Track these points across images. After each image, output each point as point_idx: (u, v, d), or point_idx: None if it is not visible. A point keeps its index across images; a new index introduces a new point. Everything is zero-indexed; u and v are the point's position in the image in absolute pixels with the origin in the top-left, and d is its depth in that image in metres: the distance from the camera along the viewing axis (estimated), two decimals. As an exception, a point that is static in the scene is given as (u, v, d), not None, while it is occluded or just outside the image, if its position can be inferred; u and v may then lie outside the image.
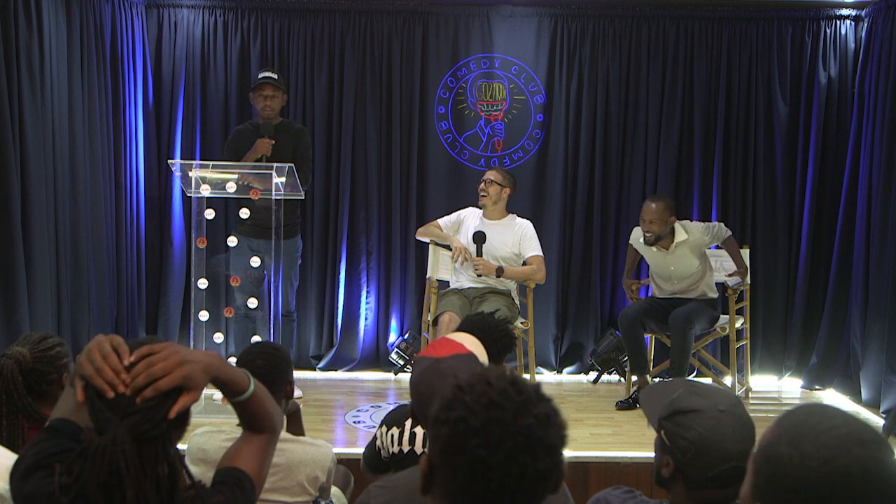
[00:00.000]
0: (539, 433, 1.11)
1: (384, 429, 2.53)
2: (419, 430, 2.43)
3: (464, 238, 4.94)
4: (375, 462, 2.59)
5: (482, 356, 2.24)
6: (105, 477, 1.34)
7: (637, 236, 5.00)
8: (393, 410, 2.64)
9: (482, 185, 4.94)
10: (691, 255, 4.84)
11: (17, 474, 1.45)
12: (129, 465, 1.34)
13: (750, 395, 5.19)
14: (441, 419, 1.14)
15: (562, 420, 1.16)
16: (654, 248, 4.85)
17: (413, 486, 1.90)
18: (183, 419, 1.44)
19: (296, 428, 2.80)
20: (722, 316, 5.03)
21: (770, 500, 1.20)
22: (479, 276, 4.81)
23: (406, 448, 2.43)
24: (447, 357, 2.06)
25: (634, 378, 4.91)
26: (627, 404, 4.83)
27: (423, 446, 2.40)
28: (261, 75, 4.87)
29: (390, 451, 2.47)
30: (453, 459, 1.12)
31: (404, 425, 2.46)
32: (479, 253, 4.79)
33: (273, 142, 4.69)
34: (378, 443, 2.55)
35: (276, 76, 4.86)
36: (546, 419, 1.13)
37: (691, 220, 5.12)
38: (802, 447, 1.18)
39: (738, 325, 5.05)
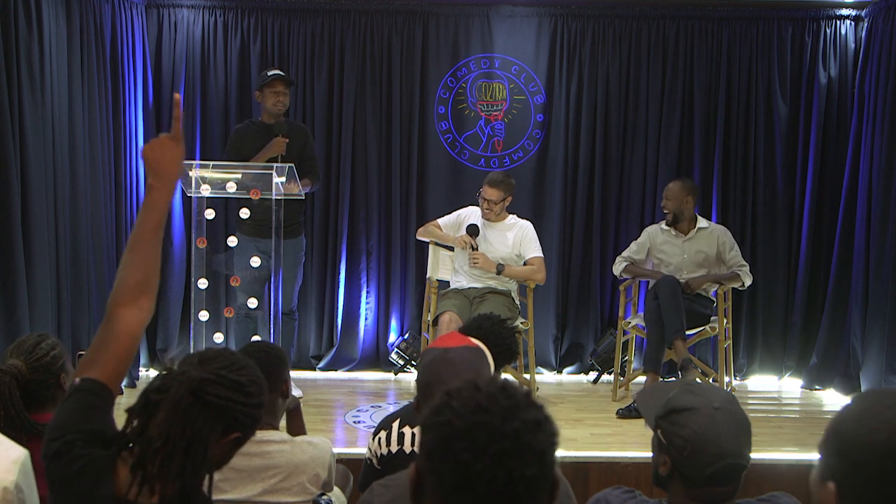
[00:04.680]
0: (527, 438, 1.08)
1: (371, 437, 2.50)
2: (407, 430, 2.40)
3: (464, 238, 4.96)
4: (370, 479, 2.43)
5: (489, 358, 2.23)
6: (152, 392, 1.46)
7: (652, 232, 5.11)
8: (380, 421, 2.60)
9: (485, 203, 4.88)
10: (706, 249, 4.97)
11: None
12: (176, 397, 1.43)
13: (734, 393, 5.18)
14: (428, 424, 1.12)
15: (553, 427, 1.13)
16: (672, 232, 4.97)
17: None
18: (228, 452, 1.54)
19: (297, 425, 2.79)
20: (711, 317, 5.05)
21: (841, 476, 1.19)
22: (473, 264, 4.81)
23: (395, 448, 2.40)
24: (456, 347, 2.06)
25: (620, 380, 4.89)
26: (628, 412, 4.62)
27: (412, 445, 2.38)
28: (271, 72, 4.88)
29: (378, 455, 2.44)
30: (439, 464, 1.09)
31: (391, 427, 2.43)
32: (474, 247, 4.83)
33: (287, 140, 4.70)
34: (368, 455, 2.50)
35: (285, 74, 4.89)
36: (535, 424, 1.10)
37: None
38: (870, 421, 1.18)
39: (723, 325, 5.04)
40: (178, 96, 1.84)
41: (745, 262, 5.00)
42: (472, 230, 4.86)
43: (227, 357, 1.53)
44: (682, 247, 5.00)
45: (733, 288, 5.05)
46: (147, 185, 1.73)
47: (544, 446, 1.09)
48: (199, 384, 1.45)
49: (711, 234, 5.02)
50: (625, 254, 5.18)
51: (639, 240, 5.19)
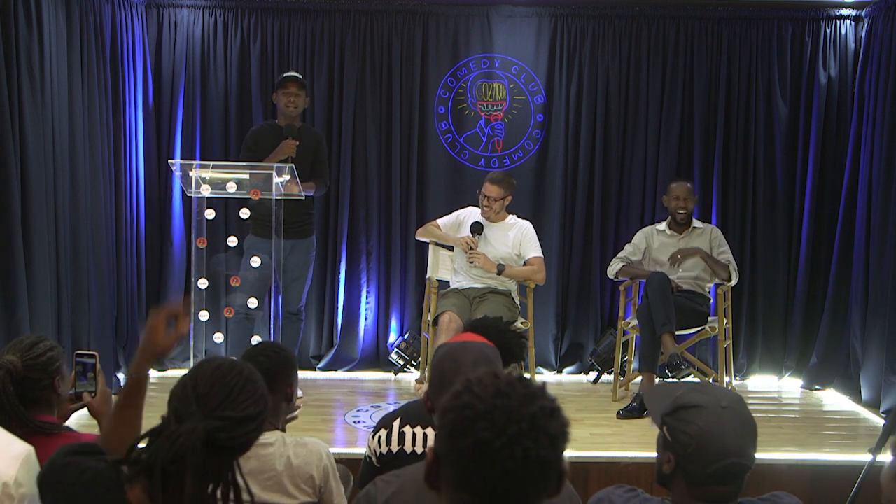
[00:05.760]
0: (542, 421, 1.18)
1: (371, 435, 2.48)
2: (408, 430, 2.39)
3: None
4: (370, 477, 2.40)
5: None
6: (167, 463, 1.38)
7: (648, 234, 5.12)
8: (380, 419, 2.58)
9: (485, 200, 4.89)
10: (701, 246, 5.00)
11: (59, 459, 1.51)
12: (194, 460, 1.38)
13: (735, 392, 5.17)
14: (449, 407, 1.21)
15: (565, 417, 1.22)
16: (667, 232, 5.03)
17: (421, 479, 1.89)
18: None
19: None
20: (710, 317, 5.05)
21: None
22: (472, 264, 4.81)
23: (395, 448, 2.38)
24: (475, 343, 2.09)
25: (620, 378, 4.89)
26: (628, 412, 4.62)
27: (413, 445, 2.37)
28: (285, 74, 4.91)
29: (378, 454, 2.42)
30: (459, 442, 1.17)
31: (392, 425, 2.42)
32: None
33: (298, 142, 4.69)
34: (368, 453, 2.49)
35: (300, 76, 4.90)
36: (550, 411, 1.20)
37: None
38: None
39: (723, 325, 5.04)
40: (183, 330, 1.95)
41: (733, 261, 5.01)
42: (476, 227, 4.87)
43: (225, 389, 1.46)
44: (678, 245, 5.02)
45: (726, 285, 5.03)
46: (138, 371, 1.87)
47: (557, 432, 1.19)
48: (211, 434, 1.40)
49: (704, 233, 5.06)
50: (620, 255, 5.17)
51: (634, 241, 5.17)
